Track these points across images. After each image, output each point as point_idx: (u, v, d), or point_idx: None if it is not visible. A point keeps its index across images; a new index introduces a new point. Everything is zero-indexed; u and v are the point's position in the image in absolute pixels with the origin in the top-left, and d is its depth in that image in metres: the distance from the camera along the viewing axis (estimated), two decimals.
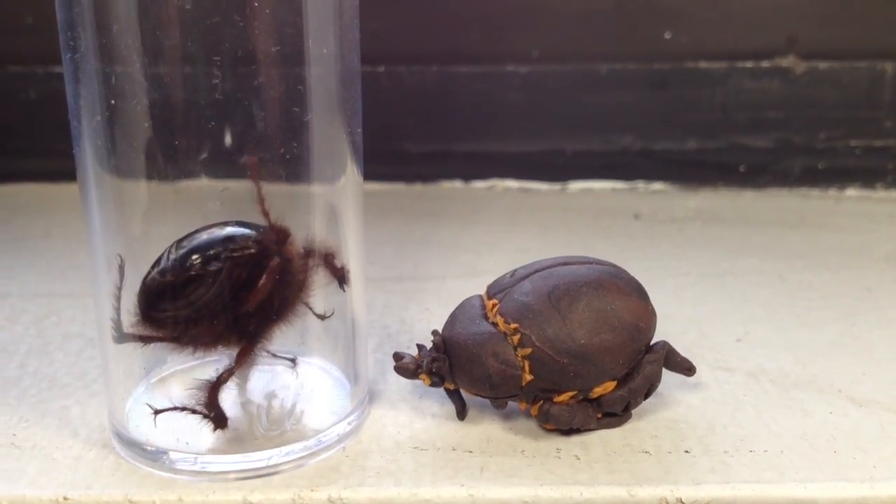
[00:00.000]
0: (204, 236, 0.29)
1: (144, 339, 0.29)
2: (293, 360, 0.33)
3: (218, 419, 0.30)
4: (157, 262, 0.29)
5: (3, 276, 0.46)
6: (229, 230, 0.29)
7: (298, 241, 0.30)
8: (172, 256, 0.29)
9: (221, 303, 0.29)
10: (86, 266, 0.46)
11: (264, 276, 0.29)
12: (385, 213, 0.55)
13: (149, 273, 0.29)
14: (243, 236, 0.29)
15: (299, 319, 0.31)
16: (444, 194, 0.59)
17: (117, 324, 0.30)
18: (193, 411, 0.29)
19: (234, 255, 0.28)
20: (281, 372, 0.33)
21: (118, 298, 0.29)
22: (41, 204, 0.57)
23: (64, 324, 0.40)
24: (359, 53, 0.31)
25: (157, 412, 0.30)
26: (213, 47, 0.28)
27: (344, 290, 0.32)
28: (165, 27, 0.27)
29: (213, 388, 0.29)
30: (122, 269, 0.29)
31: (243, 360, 0.29)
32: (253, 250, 0.29)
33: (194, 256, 0.28)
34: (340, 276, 0.31)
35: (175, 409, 0.30)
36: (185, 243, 0.29)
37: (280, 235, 0.29)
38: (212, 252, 0.28)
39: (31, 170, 0.60)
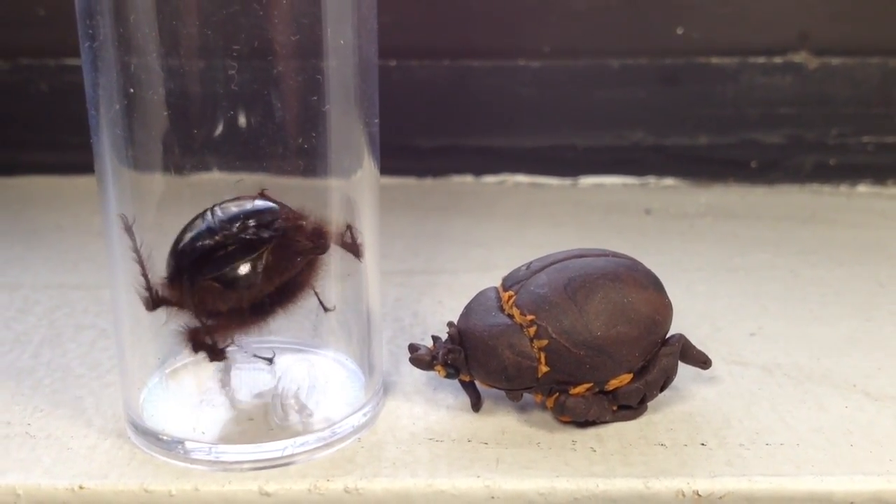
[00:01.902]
0: (250, 204, 0.29)
1: (173, 304, 0.29)
2: (270, 360, 0.33)
3: (213, 352, 0.29)
4: (191, 226, 0.28)
5: (15, 267, 0.46)
6: (269, 204, 0.29)
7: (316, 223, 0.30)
8: (219, 218, 0.28)
9: (258, 276, 0.28)
10: (98, 258, 0.46)
11: (300, 260, 0.28)
12: (396, 208, 0.55)
13: (183, 235, 0.28)
14: (291, 210, 0.29)
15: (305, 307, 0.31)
16: (454, 189, 0.59)
17: (148, 287, 0.29)
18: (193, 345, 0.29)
19: (287, 225, 0.28)
20: (295, 363, 0.33)
21: (139, 255, 0.29)
22: (52, 196, 0.57)
23: (77, 315, 0.40)
24: (376, 45, 0.31)
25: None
26: (230, 37, 0.28)
27: (360, 261, 0.31)
28: (183, 16, 0.27)
29: (194, 331, 0.29)
30: (129, 228, 0.29)
31: (237, 329, 0.29)
32: (303, 223, 0.28)
33: (250, 221, 0.28)
34: (355, 250, 0.31)
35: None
36: (229, 207, 0.28)
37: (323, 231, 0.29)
38: (266, 219, 0.28)
39: (42, 162, 0.59)
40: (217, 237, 0.28)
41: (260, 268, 0.28)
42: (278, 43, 0.28)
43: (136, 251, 0.29)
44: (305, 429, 0.30)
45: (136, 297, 0.30)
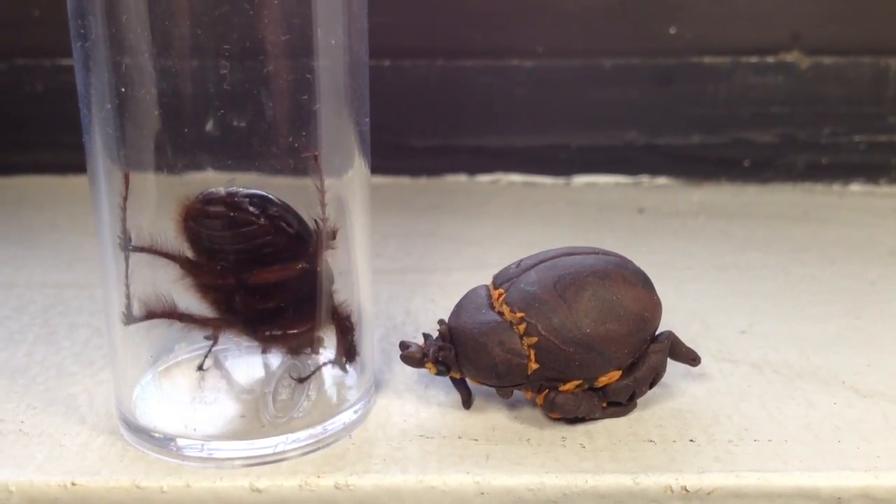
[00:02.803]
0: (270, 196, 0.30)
1: (151, 251, 0.30)
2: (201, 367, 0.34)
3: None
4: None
5: (10, 266, 0.46)
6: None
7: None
8: (242, 193, 0.29)
9: (240, 257, 0.29)
10: (92, 257, 0.46)
11: (283, 265, 0.30)
12: (390, 207, 0.55)
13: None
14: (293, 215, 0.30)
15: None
16: (448, 188, 0.59)
17: (125, 237, 0.30)
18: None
19: (278, 221, 0.30)
20: (287, 361, 0.34)
21: (124, 209, 0.30)
22: (48, 196, 0.57)
23: (71, 313, 0.40)
24: (367, 44, 0.31)
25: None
26: (221, 37, 0.28)
27: (346, 370, 0.33)
28: (174, 16, 0.27)
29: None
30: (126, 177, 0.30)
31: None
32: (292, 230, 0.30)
33: (268, 205, 0.30)
34: (348, 353, 0.33)
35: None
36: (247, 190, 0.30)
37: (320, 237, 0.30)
38: (272, 210, 0.30)
39: (38, 162, 0.60)
40: (235, 199, 0.29)
41: (243, 235, 0.29)
42: (269, 42, 0.29)
43: (124, 202, 0.30)
44: (297, 426, 0.30)
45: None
